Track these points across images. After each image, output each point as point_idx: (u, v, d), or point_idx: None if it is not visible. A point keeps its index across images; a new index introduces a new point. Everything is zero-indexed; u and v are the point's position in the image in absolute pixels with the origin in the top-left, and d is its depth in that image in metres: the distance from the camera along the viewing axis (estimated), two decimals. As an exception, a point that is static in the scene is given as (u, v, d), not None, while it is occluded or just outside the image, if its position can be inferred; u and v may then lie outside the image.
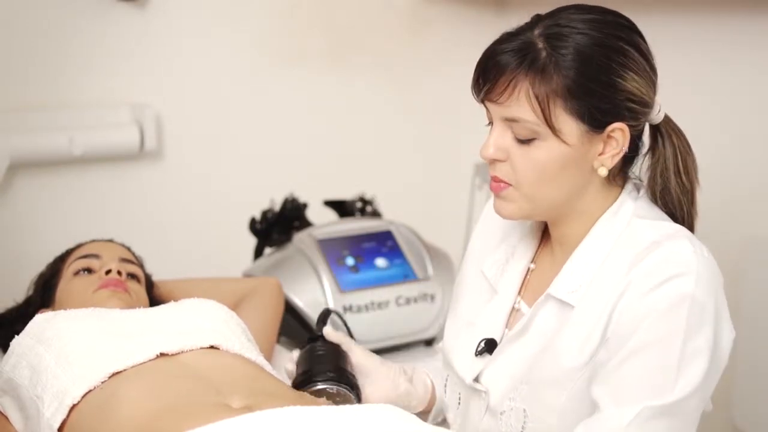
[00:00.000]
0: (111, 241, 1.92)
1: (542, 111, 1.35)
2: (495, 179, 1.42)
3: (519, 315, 1.51)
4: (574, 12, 1.39)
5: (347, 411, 1.36)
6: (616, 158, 1.41)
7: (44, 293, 1.84)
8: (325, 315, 1.73)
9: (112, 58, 2.45)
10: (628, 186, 1.47)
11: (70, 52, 2.40)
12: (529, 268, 1.53)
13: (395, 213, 2.48)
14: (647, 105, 1.40)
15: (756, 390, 2.35)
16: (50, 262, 1.90)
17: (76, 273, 1.80)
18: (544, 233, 1.55)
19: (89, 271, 1.80)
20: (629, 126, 1.39)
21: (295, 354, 1.68)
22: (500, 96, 1.37)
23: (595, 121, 1.37)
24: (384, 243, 2.27)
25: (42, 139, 2.34)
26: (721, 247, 2.48)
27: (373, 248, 2.25)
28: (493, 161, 1.41)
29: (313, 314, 2.09)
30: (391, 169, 2.85)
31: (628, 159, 1.44)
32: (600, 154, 1.40)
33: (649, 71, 1.40)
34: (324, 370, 1.58)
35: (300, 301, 2.15)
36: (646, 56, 1.40)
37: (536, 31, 1.37)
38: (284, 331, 2.12)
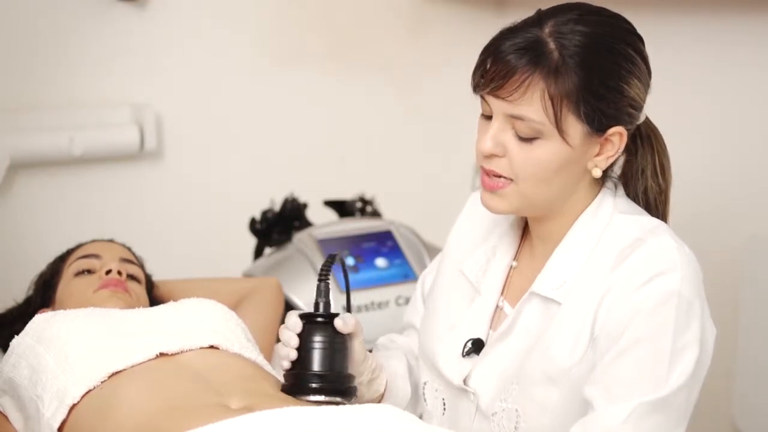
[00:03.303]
0: (111, 241, 1.91)
1: (554, 113, 1.35)
2: (492, 174, 1.41)
3: (502, 315, 1.50)
4: (581, 14, 1.38)
5: (347, 411, 1.36)
6: (611, 160, 1.42)
7: (44, 293, 1.84)
8: (329, 264, 1.46)
9: (112, 58, 2.45)
10: (608, 183, 1.47)
11: (70, 52, 2.40)
12: (511, 266, 1.53)
13: (395, 213, 2.48)
14: (641, 109, 1.42)
15: (756, 390, 2.35)
16: (50, 262, 1.89)
17: (77, 273, 1.80)
18: (524, 230, 1.54)
19: (90, 271, 1.80)
20: (627, 130, 1.40)
21: (293, 322, 1.45)
22: (511, 94, 1.35)
23: (599, 124, 1.37)
24: (384, 243, 2.27)
25: (42, 139, 2.34)
26: (721, 247, 2.48)
27: (373, 248, 2.25)
28: (490, 156, 1.40)
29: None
30: (391, 169, 2.84)
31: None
32: (596, 156, 1.41)
33: (648, 77, 1.41)
34: (315, 379, 1.42)
35: (300, 301, 2.14)
36: (647, 63, 1.41)
37: (545, 30, 1.36)
38: (284, 331, 2.12)
